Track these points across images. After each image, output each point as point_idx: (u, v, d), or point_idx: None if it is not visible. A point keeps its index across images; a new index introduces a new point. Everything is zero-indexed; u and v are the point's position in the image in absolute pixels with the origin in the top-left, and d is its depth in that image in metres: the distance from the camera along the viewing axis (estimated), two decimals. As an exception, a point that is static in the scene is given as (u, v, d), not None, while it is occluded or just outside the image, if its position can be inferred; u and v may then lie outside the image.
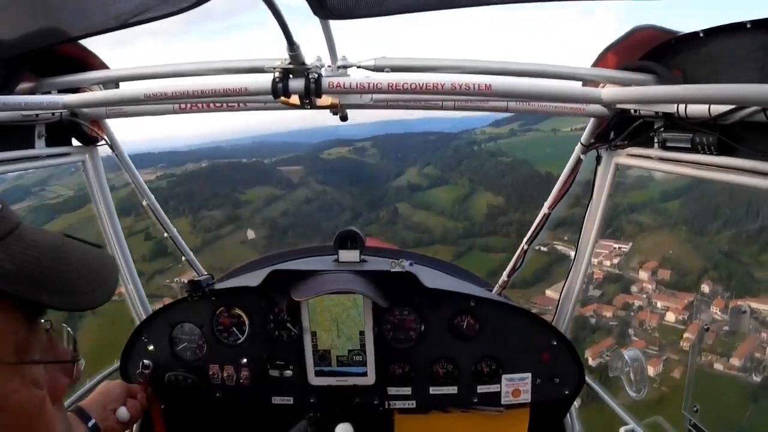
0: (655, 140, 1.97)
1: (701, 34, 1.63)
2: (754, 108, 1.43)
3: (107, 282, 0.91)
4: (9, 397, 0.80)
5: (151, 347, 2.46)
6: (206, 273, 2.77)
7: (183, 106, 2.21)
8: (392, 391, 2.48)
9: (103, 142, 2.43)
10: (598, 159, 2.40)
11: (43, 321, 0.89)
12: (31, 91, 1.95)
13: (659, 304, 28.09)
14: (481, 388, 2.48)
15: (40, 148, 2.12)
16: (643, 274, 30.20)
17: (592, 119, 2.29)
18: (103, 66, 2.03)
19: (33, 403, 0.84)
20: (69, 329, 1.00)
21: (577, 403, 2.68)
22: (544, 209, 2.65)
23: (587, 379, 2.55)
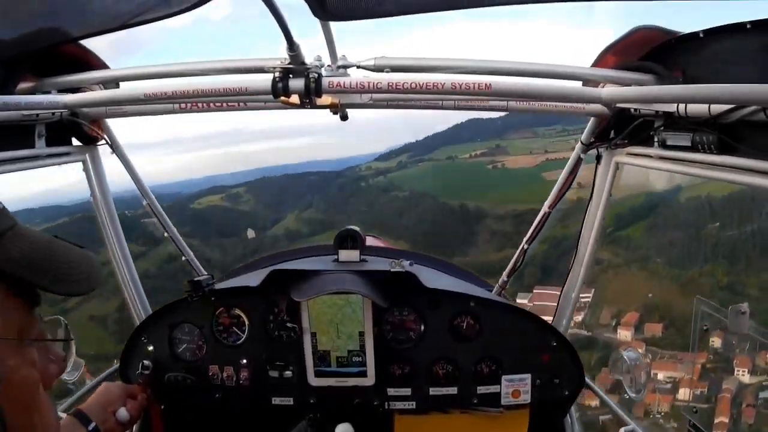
0: (655, 139, 1.98)
1: (701, 35, 1.63)
2: (754, 107, 1.43)
3: (90, 275, 1.02)
4: (13, 372, 0.89)
5: (150, 348, 2.46)
6: (206, 273, 2.77)
7: (183, 105, 2.21)
8: (392, 391, 2.48)
9: (103, 141, 2.43)
10: (598, 158, 2.40)
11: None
12: (32, 91, 1.96)
13: (661, 376, 17.14)
14: (481, 389, 2.47)
15: (41, 147, 2.11)
16: (625, 333, 21.10)
17: (592, 118, 2.29)
18: (103, 66, 2.03)
19: (31, 381, 0.93)
20: (60, 317, 1.12)
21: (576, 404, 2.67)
22: (545, 208, 2.66)
23: (587, 379, 2.55)
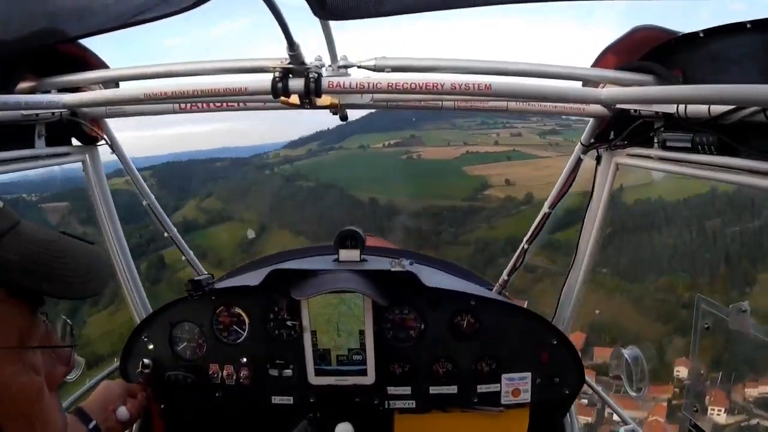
0: (655, 140, 1.98)
1: (701, 35, 1.63)
2: (754, 108, 1.43)
3: (99, 274, 0.99)
4: (11, 381, 0.86)
5: (150, 346, 2.46)
6: (206, 272, 2.78)
7: (183, 105, 2.21)
8: (392, 390, 2.48)
9: (103, 141, 2.43)
10: (598, 159, 2.40)
11: (40, 313, 0.95)
12: (31, 91, 1.95)
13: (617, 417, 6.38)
14: (481, 388, 2.48)
15: (40, 147, 2.11)
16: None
17: (592, 119, 2.29)
18: (103, 66, 2.03)
19: (32, 388, 0.90)
20: (66, 319, 1.09)
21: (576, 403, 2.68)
22: (545, 208, 2.65)
23: (587, 379, 2.55)
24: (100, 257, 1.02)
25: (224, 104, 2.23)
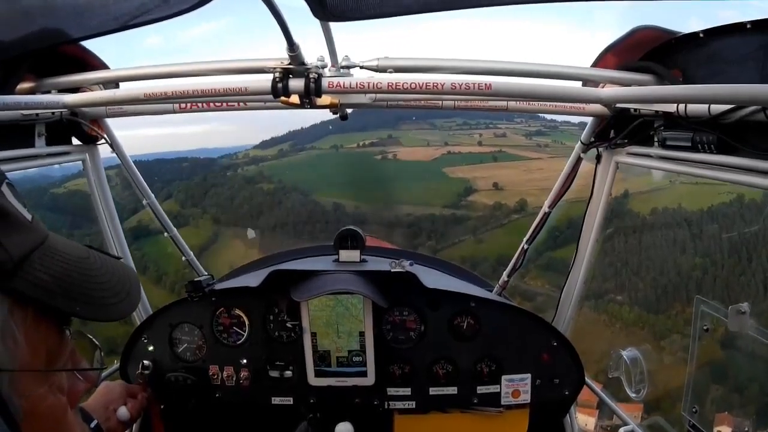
0: (655, 139, 1.98)
1: (701, 35, 1.63)
2: (754, 107, 1.43)
3: (131, 293, 0.94)
4: (38, 403, 0.82)
5: (151, 348, 2.46)
6: (206, 273, 2.77)
7: (183, 105, 2.21)
8: (392, 391, 2.48)
9: (103, 141, 2.43)
10: (598, 157, 2.40)
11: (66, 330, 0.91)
12: (32, 91, 1.96)
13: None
14: (481, 389, 2.47)
15: (40, 147, 2.12)
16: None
17: (592, 118, 2.29)
18: (103, 66, 2.04)
19: (58, 409, 0.87)
20: (94, 339, 1.01)
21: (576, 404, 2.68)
22: (545, 208, 2.65)
23: (587, 379, 2.55)
24: (129, 273, 0.97)
25: (224, 104, 2.23)
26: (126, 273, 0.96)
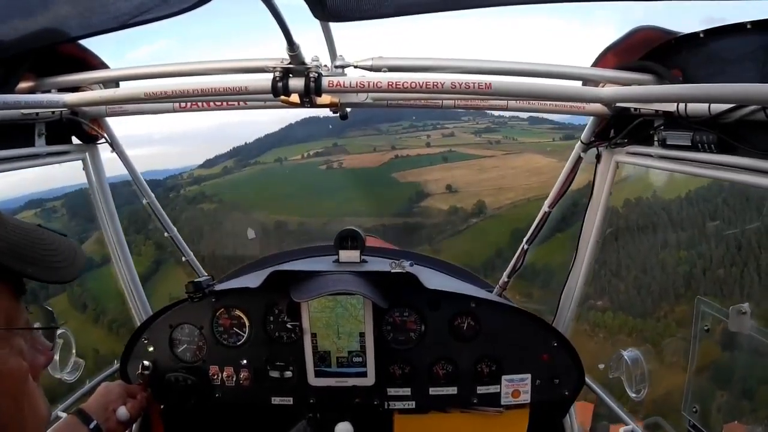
0: (655, 138, 1.97)
1: (701, 35, 1.63)
2: (754, 107, 1.43)
3: (77, 258, 1.02)
4: (2, 362, 0.88)
5: (151, 348, 2.46)
6: (206, 274, 2.77)
7: (183, 104, 2.21)
8: (392, 391, 2.48)
9: (103, 140, 2.43)
10: (598, 157, 2.40)
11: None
12: (32, 90, 1.96)
13: None
14: (481, 389, 2.47)
15: (40, 146, 2.11)
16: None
17: (592, 118, 2.29)
18: (103, 65, 2.04)
19: (20, 372, 0.92)
20: (46, 306, 1.13)
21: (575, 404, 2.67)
22: (545, 208, 2.65)
23: (587, 379, 2.55)
24: (75, 246, 1.05)
25: (224, 103, 2.23)
26: (71, 243, 1.04)
